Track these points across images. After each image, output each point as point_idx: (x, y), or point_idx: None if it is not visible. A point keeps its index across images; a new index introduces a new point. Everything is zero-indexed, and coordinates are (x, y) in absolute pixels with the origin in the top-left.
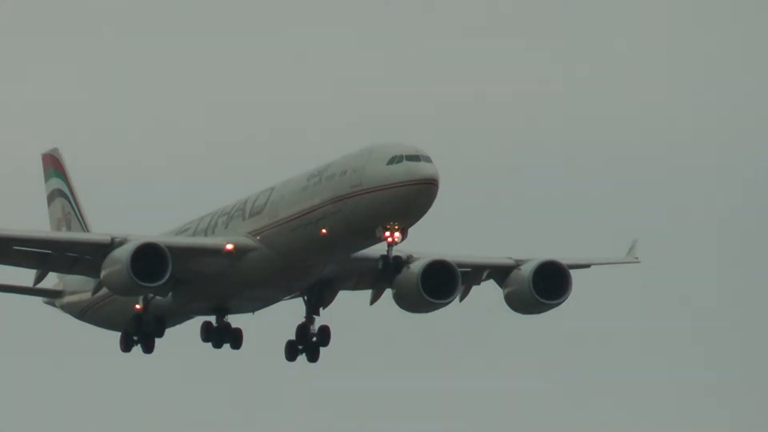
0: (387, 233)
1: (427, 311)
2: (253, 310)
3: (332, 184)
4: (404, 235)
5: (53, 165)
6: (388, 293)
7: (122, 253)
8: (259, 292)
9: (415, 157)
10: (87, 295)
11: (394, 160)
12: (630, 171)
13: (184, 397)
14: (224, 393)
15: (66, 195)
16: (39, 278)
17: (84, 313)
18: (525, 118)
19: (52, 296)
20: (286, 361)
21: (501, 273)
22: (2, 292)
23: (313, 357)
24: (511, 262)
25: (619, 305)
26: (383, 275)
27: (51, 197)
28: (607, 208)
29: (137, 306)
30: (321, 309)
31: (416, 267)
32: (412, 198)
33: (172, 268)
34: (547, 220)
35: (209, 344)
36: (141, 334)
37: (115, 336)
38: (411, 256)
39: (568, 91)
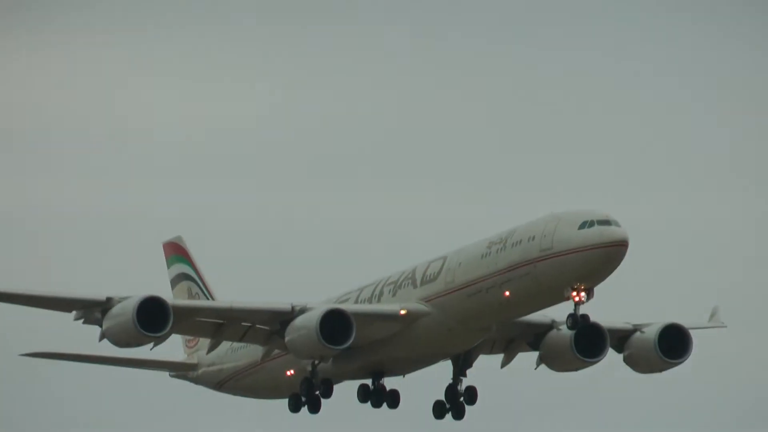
0: (575, 293)
1: (576, 369)
2: (406, 373)
3: (519, 249)
4: (590, 294)
5: (176, 252)
6: (518, 357)
7: (310, 320)
8: (422, 356)
9: (606, 222)
10: (228, 366)
11: (586, 224)
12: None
13: None
14: None
15: (192, 278)
16: (213, 347)
17: (222, 384)
18: None
19: (185, 370)
20: (434, 419)
21: (618, 337)
22: (127, 366)
23: (459, 415)
24: (629, 326)
25: (710, 370)
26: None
27: (175, 281)
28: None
29: (288, 372)
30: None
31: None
32: (605, 260)
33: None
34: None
35: (365, 404)
36: (310, 396)
37: (260, 403)
38: (554, 321)
39: None
